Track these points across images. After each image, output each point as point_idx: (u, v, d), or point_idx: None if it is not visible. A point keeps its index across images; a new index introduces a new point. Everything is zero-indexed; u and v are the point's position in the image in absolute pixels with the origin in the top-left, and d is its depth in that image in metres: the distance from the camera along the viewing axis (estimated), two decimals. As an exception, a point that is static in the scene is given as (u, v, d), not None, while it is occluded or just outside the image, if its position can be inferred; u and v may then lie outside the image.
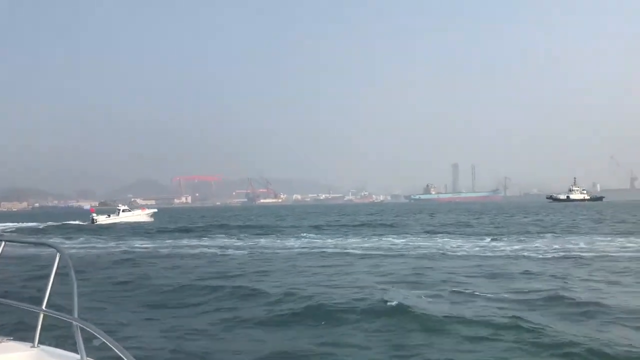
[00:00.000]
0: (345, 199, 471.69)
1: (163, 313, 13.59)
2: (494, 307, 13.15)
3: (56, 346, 4.09)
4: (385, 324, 11.67)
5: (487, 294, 15.06)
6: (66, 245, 35.29)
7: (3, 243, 4.37)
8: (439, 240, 35.70)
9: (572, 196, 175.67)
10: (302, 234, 43.27)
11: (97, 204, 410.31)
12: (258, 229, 53.32)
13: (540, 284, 16.76)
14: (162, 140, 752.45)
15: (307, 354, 9.76)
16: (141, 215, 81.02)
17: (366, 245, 33.33)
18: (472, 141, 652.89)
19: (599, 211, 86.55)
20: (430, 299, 14.38)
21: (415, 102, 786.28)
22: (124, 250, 32.84)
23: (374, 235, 42.05)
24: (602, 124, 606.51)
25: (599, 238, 33.93)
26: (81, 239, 43.92)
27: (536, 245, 30.60)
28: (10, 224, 75.55)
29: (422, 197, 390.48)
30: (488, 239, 35.06)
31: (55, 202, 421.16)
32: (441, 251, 28.27)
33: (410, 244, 32.98)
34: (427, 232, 44.36)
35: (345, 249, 30.97)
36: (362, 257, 26.67)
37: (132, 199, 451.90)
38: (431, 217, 78.49)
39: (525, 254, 26.27)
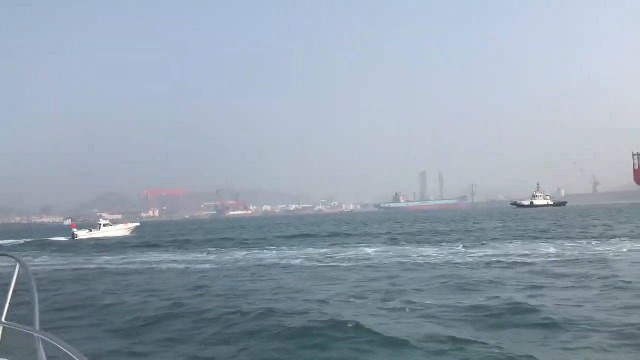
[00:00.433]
0: (315, 209, 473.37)
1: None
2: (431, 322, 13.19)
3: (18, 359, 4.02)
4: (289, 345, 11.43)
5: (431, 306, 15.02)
6: (34, 264, 35.33)
7: None
8: (399, 248, 36.52)
9: (535, 202, 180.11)
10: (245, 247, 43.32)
11: (62, 219, 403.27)
12: (218, 242, 53.50)
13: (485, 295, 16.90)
14: (129, 154, 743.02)
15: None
16: (122, 230, 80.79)
17: (311, 255, 33.64)
18: (439, 149, 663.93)
19: (560, 217, 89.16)
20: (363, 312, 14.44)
21: (383, 111, 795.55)
22: (83, 267, 32.64)
23: (334, 245, 42.65)
24: (566, 131, 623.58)
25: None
26: (45, 257, 43.50)
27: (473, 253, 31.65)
28: None
29: (392, 205, 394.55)
30: (460, 246, 35.71)
31: (19, 218, 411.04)
32: (405, 260, 28.63)
33: (376, 254, 32.77)
34: (392, 239, 45.15)
35: (289, 260, 31.27)
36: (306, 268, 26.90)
37: (98, 214, 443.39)
38: (397, 224, 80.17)
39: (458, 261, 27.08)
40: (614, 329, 11.70)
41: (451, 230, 56.61)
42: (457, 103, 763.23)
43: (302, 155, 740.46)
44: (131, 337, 12.75)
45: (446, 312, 14.04)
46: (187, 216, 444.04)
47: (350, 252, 33.74)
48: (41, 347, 3.32)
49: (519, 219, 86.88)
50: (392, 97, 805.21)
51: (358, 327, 12.13)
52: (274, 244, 45.36)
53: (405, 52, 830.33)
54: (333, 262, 28.80)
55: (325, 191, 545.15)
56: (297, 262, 29.70)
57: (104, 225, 78.90)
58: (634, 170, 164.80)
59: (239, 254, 36.39)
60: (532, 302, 14.57)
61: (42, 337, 3.31)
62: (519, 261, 25.16)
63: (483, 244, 36.06)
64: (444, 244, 38.10)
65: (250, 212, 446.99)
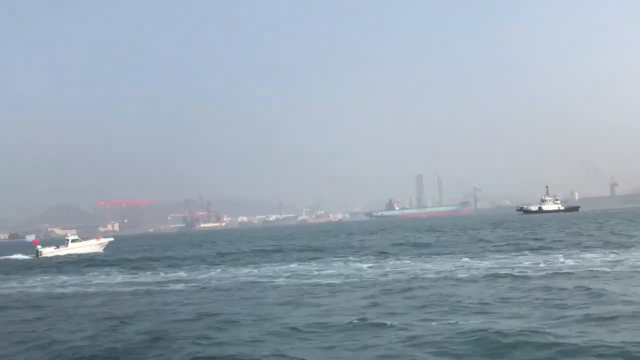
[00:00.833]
0: (298, 219, 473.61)
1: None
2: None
3: None
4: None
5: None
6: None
7: None
8: (392, 261, 37.58)
9: (544, 207, 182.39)
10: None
11: (6, 236, 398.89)
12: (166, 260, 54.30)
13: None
14: (82, 158, 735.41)
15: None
16: (92, 246, 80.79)
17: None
18: (437, 150, 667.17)
19: (568, 224, 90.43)
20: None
21: (373, 110, 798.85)
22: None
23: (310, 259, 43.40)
24: (578, 127, 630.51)
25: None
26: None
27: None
28: None
29: (385, 213, 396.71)
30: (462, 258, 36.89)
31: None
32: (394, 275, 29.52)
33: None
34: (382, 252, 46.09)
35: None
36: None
37: (49, 229, 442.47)
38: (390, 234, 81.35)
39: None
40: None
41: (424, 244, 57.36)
42: (456, 99, 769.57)
43: (283, 160, 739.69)
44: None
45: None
46: (151, 230, 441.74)
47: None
48: None
49: (521, 227, 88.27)
50: (384, 95, 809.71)
51: None
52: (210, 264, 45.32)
53: (399, 50, 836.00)
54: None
55: (309, 199, 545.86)
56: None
57: (72, 241, 78.81)
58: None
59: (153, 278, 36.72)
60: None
61: None
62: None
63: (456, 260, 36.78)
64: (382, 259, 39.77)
65: (223, 223, 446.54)
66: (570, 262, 31.32)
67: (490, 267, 30.51)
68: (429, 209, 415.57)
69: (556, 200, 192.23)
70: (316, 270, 34.42)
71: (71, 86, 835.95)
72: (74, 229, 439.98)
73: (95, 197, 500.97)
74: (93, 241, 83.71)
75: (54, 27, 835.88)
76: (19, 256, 73.65)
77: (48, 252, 74.56)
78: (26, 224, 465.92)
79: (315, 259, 43.70)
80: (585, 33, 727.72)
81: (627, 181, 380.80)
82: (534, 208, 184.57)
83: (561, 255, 35.44)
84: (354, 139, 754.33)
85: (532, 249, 41.28)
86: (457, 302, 20.00)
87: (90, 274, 41.96)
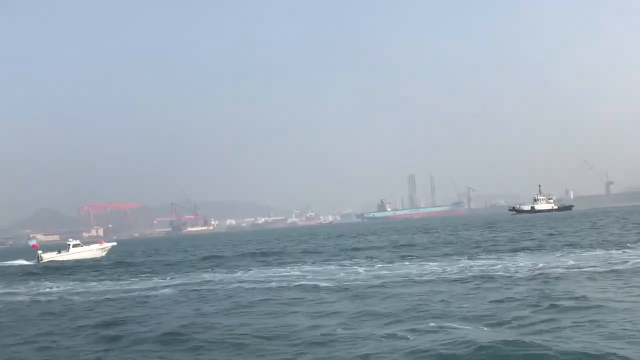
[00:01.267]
0: (288, 221, 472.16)
1: None
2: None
3: None
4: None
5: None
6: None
7: None
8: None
9: (537, 206, 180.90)
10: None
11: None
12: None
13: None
14: (65, 163, 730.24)
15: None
16: (94, 251, 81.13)
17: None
18: (429, 149, 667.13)
19: (557, 224, 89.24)
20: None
21: (363, 109, 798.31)
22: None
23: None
24: (572, 124, 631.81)
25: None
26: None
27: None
28: None
29: (377, 214, 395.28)
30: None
31: None
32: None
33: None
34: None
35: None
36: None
37: (31, 235, 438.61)
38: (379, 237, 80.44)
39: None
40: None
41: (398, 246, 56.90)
42: (449, 98, 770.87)
43: (271, 162, 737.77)
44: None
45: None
46: (136, 234, 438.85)
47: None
48: None
49: (510, 227, 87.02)
50: (374, 95, 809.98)
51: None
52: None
53: (391, 50, 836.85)
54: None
55: (299, 201, 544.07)
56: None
57: (74, 246, 79.66)
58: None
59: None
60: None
61: None
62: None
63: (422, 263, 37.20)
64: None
65: (211, 227, 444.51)
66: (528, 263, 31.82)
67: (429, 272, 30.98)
68: (421, 210, 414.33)
69: (549, 199, 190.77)
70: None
71: (53, 88, 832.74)
72: (56, 234, 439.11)
73: (79, 201, 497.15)
74: (95, 246, 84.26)
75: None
76: (21, 262, 73.99)
77: (49, 257, 75.06)
78: (8, 230, 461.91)
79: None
80: (579, 30, 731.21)
81: (622, 179, 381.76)
82: (527, 208, 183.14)
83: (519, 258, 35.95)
84: (344, 140, 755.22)
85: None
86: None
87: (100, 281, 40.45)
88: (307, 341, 15.89)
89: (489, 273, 28.58)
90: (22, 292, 35.70)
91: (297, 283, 29.77)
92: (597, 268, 27.82)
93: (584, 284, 23.16)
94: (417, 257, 41.62)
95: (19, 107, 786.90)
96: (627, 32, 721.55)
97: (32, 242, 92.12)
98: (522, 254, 38.72)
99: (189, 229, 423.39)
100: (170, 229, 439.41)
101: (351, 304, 21.75)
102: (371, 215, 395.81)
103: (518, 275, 27.34)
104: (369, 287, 26.60)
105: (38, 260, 73.32)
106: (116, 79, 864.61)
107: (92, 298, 30.04)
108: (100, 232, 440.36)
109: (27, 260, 74.83)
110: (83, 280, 41.59)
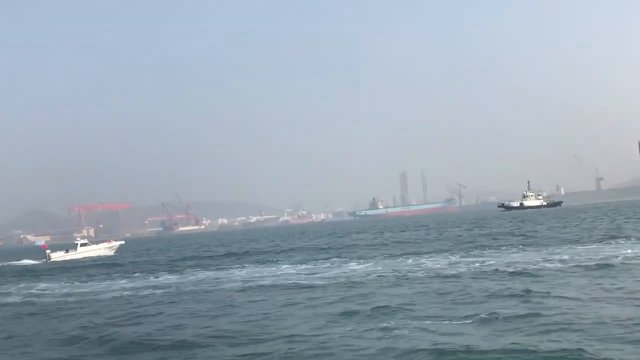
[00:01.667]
0: (280, 220, 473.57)
1: None
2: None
3: None
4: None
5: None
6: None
7: None
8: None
9: (526, 203, 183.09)
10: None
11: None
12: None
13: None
14: (55, 164, 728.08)
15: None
16: (101, 250, 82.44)
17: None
18: (420, 147, 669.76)
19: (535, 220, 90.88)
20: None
21: (355, 108, 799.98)
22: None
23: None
24: (563, 121, 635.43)
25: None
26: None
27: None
28: None
29: (369, 212, 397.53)
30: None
31: None
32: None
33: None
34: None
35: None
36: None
37: (22, 236, 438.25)
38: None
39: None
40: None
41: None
42: (440, 96, 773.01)
43: (263, 161, 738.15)
44: None
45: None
46: (128, 234, 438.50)
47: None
48: None
49: (495, 224, 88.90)
50: (366, 94, 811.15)
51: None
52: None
53: (382, 49, 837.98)
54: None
55: (291, 199, 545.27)
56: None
57: (82, 245, 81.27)
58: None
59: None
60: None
61: None
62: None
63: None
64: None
65: (203, 226, 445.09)
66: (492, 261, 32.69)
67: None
68: (413, 207, 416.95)
69: (538, 195, 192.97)
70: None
71: (43, 88, 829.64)
72: (47, 235, 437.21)
73: (69, 202, 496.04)
74: (104, 245, 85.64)
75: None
76: (29, 261, 75.33)
77: (57, 256, 76.65)
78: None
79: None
80: (569, 28, 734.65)
81: (612, 175, 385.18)
82: (516, 204, 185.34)
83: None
84: (336, 138, 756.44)
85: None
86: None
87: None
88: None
89: (458, 270, 29.38)
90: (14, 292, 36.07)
91: (261, 283, 30.43)
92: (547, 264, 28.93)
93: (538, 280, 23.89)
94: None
95: (7, 107, 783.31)
96: (617, 31, 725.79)
97: (40, 243, 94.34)
98: (490, 251, 39.99)
99: (180, 229, 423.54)
100: (161, 228, 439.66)
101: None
102: (363, 213, 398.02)
103: (481, 271, 28.17)
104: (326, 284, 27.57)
105: (47, 259, 74.63)
106: (109, 80, 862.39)
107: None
108: (92, 233, 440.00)
109: (35, 259, 76.04)
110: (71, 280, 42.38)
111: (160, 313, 22.60)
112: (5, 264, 73.28)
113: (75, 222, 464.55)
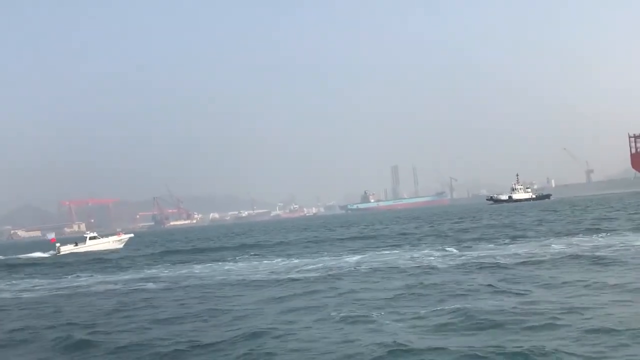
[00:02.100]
0: (272, 214, 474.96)
1: None
2: None
3: None
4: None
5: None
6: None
7: None
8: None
9: (514, 196, 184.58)
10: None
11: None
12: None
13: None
14: (45, 159, 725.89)
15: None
16: (110, 243, 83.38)
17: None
18: (411, 140, 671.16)
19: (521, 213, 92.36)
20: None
21: (346, 101, 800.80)
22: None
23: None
24: (554, 114, 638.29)
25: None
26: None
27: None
28: None
29: (361, 206, 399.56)
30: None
31: None
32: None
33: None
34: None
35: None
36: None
37: (12, 231, 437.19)
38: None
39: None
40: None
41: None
42: (431, 89, 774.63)
43: (255, 155, 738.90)
44: None
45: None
46: (119, 229, 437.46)
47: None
48: None
49: (477, 218, 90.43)
50: (356, 87, 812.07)
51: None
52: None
53: (373, 43, 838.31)
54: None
55: (283, 193, 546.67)
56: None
57: (90, 238, 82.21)
58: (631, 154, 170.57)
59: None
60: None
61: None
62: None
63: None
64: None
65: (194, 221, 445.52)
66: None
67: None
68: (405, 201, 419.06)
69: (527, 188, 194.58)
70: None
71: (31, 84, 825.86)
72: (38, 230, 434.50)
73: (60, 197, 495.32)
74: (113, 238, 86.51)
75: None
76: (39, 254, 77.11)
77: (67, 249, 78.22)
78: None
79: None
80: (559, 22, 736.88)
81: (603, 167, 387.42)
82: (504, 197, 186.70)
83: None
84: (327, 132, 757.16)
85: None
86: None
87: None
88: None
89: (424, 264, 30.07)
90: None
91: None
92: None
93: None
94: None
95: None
96: (608, 25, 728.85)
97: (51, 236, 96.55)
98: (468, 243, 41.10)
99: (172, 223, 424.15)
100: (153, 223, 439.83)
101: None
102: (355, 206, 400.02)
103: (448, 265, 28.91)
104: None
105: (57, 252, 76.48)
106: (98, 76, 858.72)
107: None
108: (83, 227, 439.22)
109: (44, 252, 77.93)
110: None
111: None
112: (16, 256, 77.31)
113: (66, 217, 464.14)
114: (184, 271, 37.34)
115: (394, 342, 13.72)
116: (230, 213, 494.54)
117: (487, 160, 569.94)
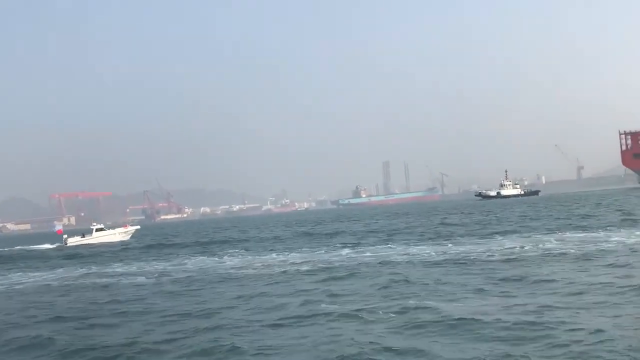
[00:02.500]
0: (263, 208, 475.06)
1: None
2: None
3: None
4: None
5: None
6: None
7: None
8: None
9: (503, 192, 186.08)
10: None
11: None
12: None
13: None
14: (35, 151, 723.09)
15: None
16: (116, 235, 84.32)
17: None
18: (403, 136, 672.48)
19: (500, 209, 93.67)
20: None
21: (338, 97, 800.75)
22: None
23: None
24: (544, 110, 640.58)
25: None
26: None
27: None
28: None
29: (352, 201, 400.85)
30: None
31: None
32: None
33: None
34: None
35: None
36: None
37: (1, 224, 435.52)
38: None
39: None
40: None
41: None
42: (422, 83, 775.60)
43: (246, 149, 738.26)
44: None
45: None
46: (109, 223, 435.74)
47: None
48: None
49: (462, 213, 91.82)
50: (348, 82, 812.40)
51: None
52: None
53: (364, 38, 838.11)
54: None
55: (274, 188, 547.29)
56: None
57: (97, 230, 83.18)
58: (622, 151, 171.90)
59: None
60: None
61: None
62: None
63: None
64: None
65: (185, 215, 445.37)
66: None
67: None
68: (396, 196, 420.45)
69: (515, 184, 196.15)
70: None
71: (22, 77, 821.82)
72: (27, 223, 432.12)
73: (49, 190, 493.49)
74: (120, 229, 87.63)
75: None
76: (47, 246, 78.61)
77: (74, 241, 79.26)
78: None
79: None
80: (548, 17, 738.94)
81: (594, 164, 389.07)
82: (493, 193, 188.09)
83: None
84: (318, 127, 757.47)
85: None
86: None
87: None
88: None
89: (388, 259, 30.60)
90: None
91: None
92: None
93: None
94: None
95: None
96: (599, 18, 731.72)
97: (57, 228, 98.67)
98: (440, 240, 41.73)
99: (162, 217, 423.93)
100: (143, 217, 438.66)
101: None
102: (346, 201, 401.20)
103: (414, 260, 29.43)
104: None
105: (65, 244, 77.89)
106: (90, 70, 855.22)
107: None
108: (72, 221, 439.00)
109: (52, 244, 79.44)
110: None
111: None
112: (25, 248, 78.66)
113: (56, 210, 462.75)
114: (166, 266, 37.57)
115: (366, 342, 13.67)
116: (221, 207, 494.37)
117: (478, 156, 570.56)
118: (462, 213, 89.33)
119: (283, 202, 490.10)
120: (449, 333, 14.22)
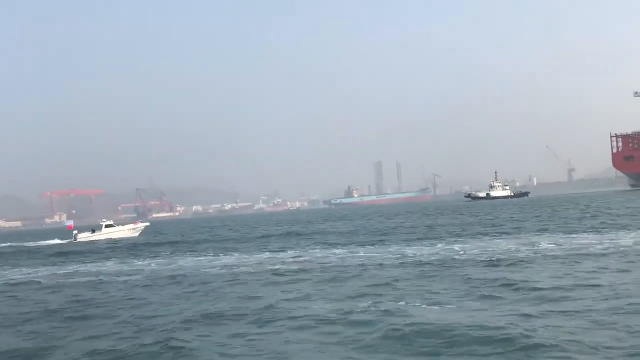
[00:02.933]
0: (255, 207, 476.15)
1: None
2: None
3: None
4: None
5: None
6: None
7: None
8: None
9: (492, 193, 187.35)
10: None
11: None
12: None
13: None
14: (25, 148, 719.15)
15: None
16: (126, 231, 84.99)
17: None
18: (395, 136, 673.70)
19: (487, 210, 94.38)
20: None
21: (330, 97, 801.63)
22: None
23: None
24: (537, 111, 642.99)
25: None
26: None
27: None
28: None
29: (344, 201, 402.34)
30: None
31: None
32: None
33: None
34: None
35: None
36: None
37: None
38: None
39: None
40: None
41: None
42: (415, 84, 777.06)
43: (239, 147, 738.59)
44: None
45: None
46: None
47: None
48: None
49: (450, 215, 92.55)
50: (340, 82, 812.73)
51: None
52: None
53: (356, 36, 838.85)
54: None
55: (266, 187, 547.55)
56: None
57: (106, 226, 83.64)
58: (612, 153, 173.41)
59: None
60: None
61: None
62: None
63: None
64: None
65: (177, 213, 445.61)
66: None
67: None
68: (388, 196, 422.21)
69: (505, 186, 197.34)
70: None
71: (12, 73, 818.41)
72: (18, 220, 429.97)
73: (41, 187, 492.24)
74: (129, 226, 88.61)
75: None
76: (58, 241, 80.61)
77: (84, 237, 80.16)
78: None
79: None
80: (541, 18, 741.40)
81: (585, 166, 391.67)
82: (482, 194, 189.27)
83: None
84: (310, 126, 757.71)
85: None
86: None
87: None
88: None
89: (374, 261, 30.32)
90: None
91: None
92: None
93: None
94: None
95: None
96: (595, 20, 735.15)
97: (68, 223, 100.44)
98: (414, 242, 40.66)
99: (154, 215, 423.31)
100: (135, 215, 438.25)
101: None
102: (338, 201, 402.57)
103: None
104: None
105: (74, 239, 78.37)
106: (83, 68, 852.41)
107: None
108: (64, 218, 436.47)
109: (63, 239, 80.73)
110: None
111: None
112: (35, 243, 79.81)
113: (47, 208, 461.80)
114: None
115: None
116: (213, 206, 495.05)
117: (470, 157, 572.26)
118: (439, 214, 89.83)
119: (275, 201, 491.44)
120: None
